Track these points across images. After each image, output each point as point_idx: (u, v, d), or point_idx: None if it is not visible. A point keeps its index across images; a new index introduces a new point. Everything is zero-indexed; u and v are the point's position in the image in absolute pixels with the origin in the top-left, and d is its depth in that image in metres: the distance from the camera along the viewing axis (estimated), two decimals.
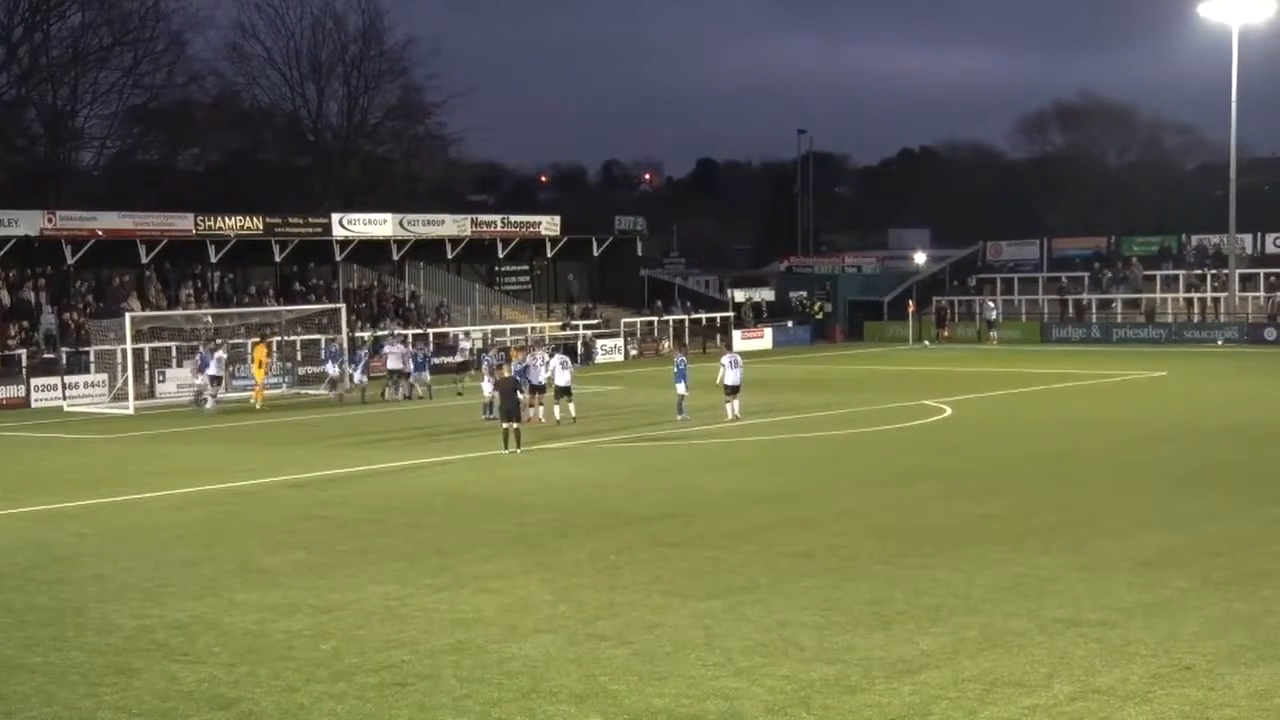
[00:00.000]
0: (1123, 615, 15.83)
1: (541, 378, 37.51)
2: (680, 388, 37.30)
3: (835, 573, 18.35)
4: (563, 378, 36.21)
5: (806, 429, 35.22)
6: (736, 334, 69.84)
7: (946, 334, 72.00)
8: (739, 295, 79.60)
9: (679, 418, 36.34)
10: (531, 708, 13.05)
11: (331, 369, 46.29)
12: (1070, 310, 73.13)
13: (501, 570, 18.94)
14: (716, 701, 13.08)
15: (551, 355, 39.25)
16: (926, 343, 69.92)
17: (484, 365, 40.19)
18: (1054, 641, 14.83)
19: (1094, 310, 72.61)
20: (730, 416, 35.86)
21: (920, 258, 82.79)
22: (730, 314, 72.78)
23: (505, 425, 30.71)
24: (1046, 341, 69.64)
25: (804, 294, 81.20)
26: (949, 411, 38.72)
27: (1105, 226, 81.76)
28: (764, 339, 71.12)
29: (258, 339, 46.18)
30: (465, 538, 21.46)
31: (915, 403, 40.59)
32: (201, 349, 45.10)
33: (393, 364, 45.39)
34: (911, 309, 72.32)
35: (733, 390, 36.21)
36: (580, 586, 17.84)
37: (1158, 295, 71.81)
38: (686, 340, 67.09)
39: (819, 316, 77.12)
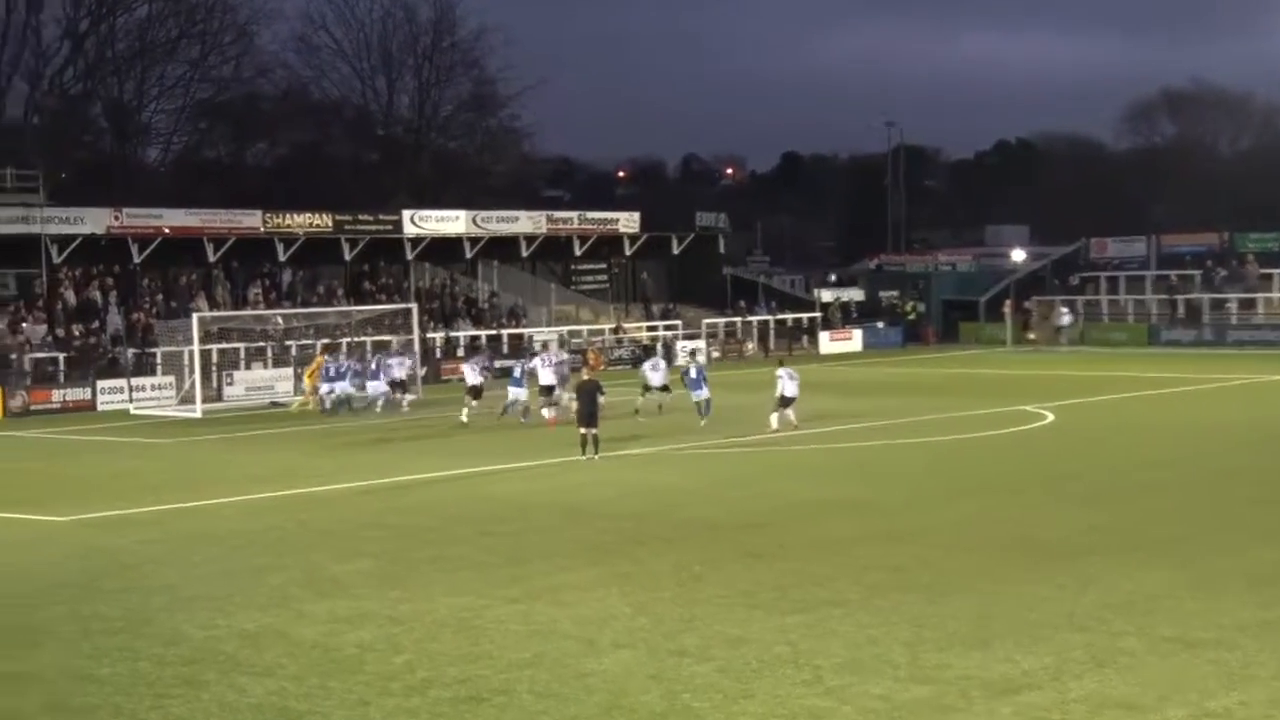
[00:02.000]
0: (1239, 634, 15.59)
1: (550, 379, 38.35)
2: (702, 393, 37.08)
3: (929, 587, 18.23)
4: (790, 389, 35.87)
5: (898, 436, 34.99)
6: (824, 335, 69.54)
7: (1033, 336, 71.21)
8: (826, 295, 79.20)
9: (702, 423, 36.24)
10: None
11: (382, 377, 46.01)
12: (1180, 311, 72.12)
13: (578, 581, 18.97)
14: None
15: (651, 356, 39.57)
16: (1030, 336, 69.32)
17: (522, 367, 40.16)
18: (1165, 662, 14.64)
19: (1206, 311, 71.52)
20: (775, 427, 35.19)
21: (1019, 255, 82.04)
22: (817, 314, 72.47)
23: (583, 431, 30.77)
24: (1155, 344, 68.73)
25: (895, 293, 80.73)
26: (1050, 417, 38.33)
27: (1218, 222, 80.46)
28: (853, 341, 70.72)
29: (325, 346, 46.21)
30: (541, 547, 21.53)
31: (1014, 408, 40.22)
32: (383, 355, 45.23)
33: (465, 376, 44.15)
34: (1009, 309, 71.66)
35: (787, 402, 35.61)
36: (660, 599, 17.83)
37: (1275, 294, 70.63)
38: (771, 345, 66.96)
39: (911, 317, 76.62)
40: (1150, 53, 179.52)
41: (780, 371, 36.79)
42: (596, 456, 30.59)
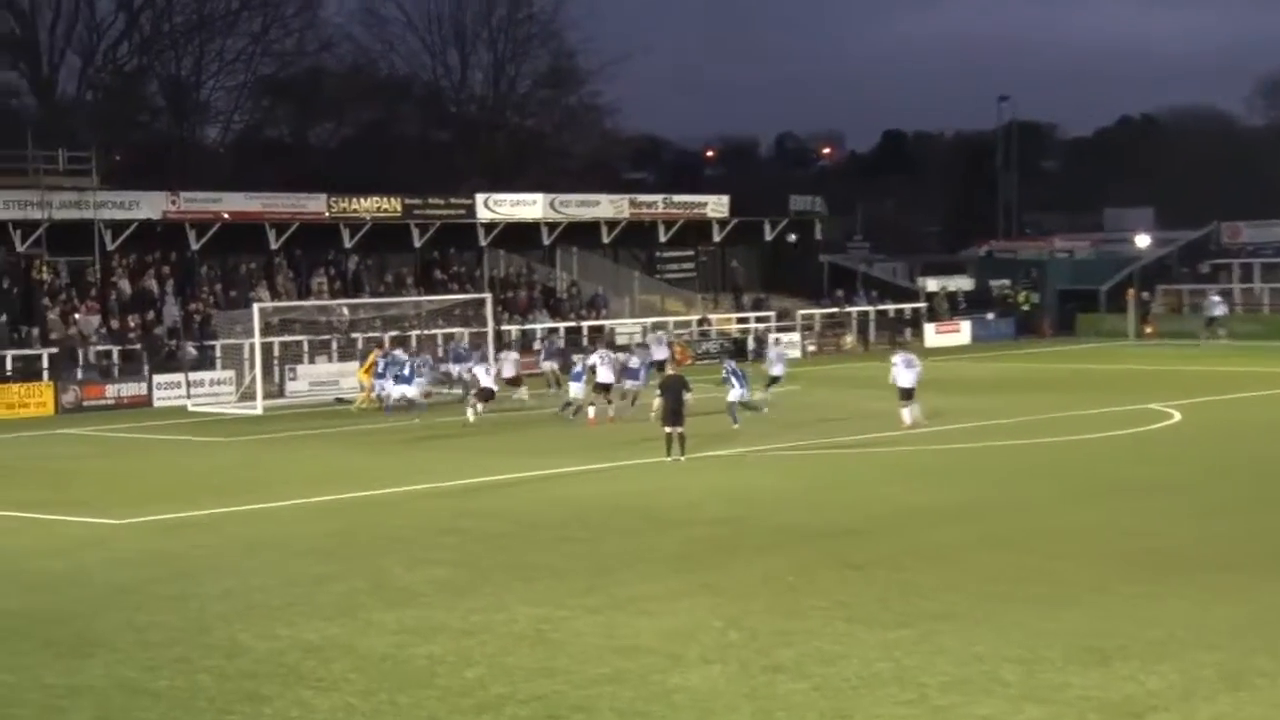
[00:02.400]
0: None
1: (607, 377, 38.59)
2: (737, 392, 36.90)
3: (1044, 600, 18.11)
4: (905, 379, 35.88)
5: (1010, 436, 34.73)
6: (929, 328, 69.10)
7: (1150, 330, 70.27)
8: (932, 284, 78.68)
9: (734, 426, 35.99)
10: None
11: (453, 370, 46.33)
12: None
13: (664, 591, 18.99)
14: None
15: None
16: (1148, 330, 68.48)
17: (582, 363, 40.24)
18: None
19: None
20: (908, 423, 35.44)
21: (1142, 241, 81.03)
22: (922, 305, 72.03)
23: (669, 430, 30.80)
24: None
25: (1006, 282, 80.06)
26: (1177, 417, 37.90)
27: None
28: (960, 334, 70.21)
29: (380, 342, 46.33)
30: (624, 555, 21.57)
31: (1137, 406, 39.79)
32: (500, 351, 45.58)
33: (507, 371, 43.86)
34: (1131, 299, 70.87)
35: (907, 394, 35.72)
36: (753, 611, 17.82)
37: None
38: (872, 338, 66.64)
39: (1025, 308, 75.95)
40: None
41: (895, 358, 36.56)
42: (683, 458, 30.60)
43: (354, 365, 47.16)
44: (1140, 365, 55.24)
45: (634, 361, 41.61)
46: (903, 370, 35.61)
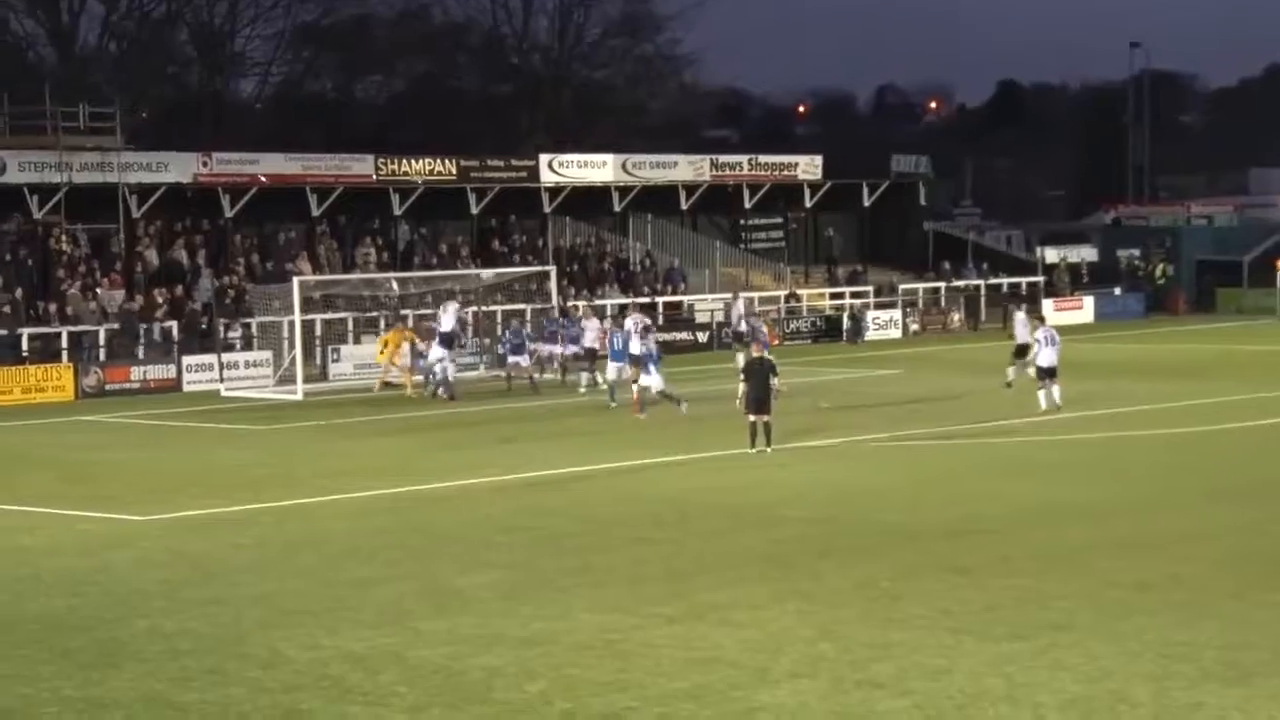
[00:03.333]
0: None
1: (638, 347, 38.28)
2: (652, 378, 37.23)
3: (1178, 609, 18.02)
4: (1046, 357, 36.06)
5: (1139, 425, 34.51)
6: (1048, 303, 68.64)
7: None
8: (1051, 254, 78.21)
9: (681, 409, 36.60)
10: None
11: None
12: None
13: (748, 598, 19.02)
14: None
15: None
16: None
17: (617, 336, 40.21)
18: None
19: None
20: (1045, 407, 35.60)
21: None
22: (1039, 279, 71.61)
23: (753, 418, 30.80)
24: None
25: (1135, 252, 79.41)
26: None
27: None
28: (1083, 310, 69.79)
29: (399, 325, 46.27)
30: (702, 557, 21.60)
31: None
32: (575, 320, 45.91)
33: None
34: None
35: (1049, 373, 35.85)
36: (847, 620, 17.82)
37: None
38: (982, 316, 66.21)
39: (1160, 281, 75.28)
40: None
41: (1038, 334, 36.71)
42: (769, 449, 30.59)
43: (405, 347, 46.99)
44: None
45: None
46: (1045, 347, 35.99)
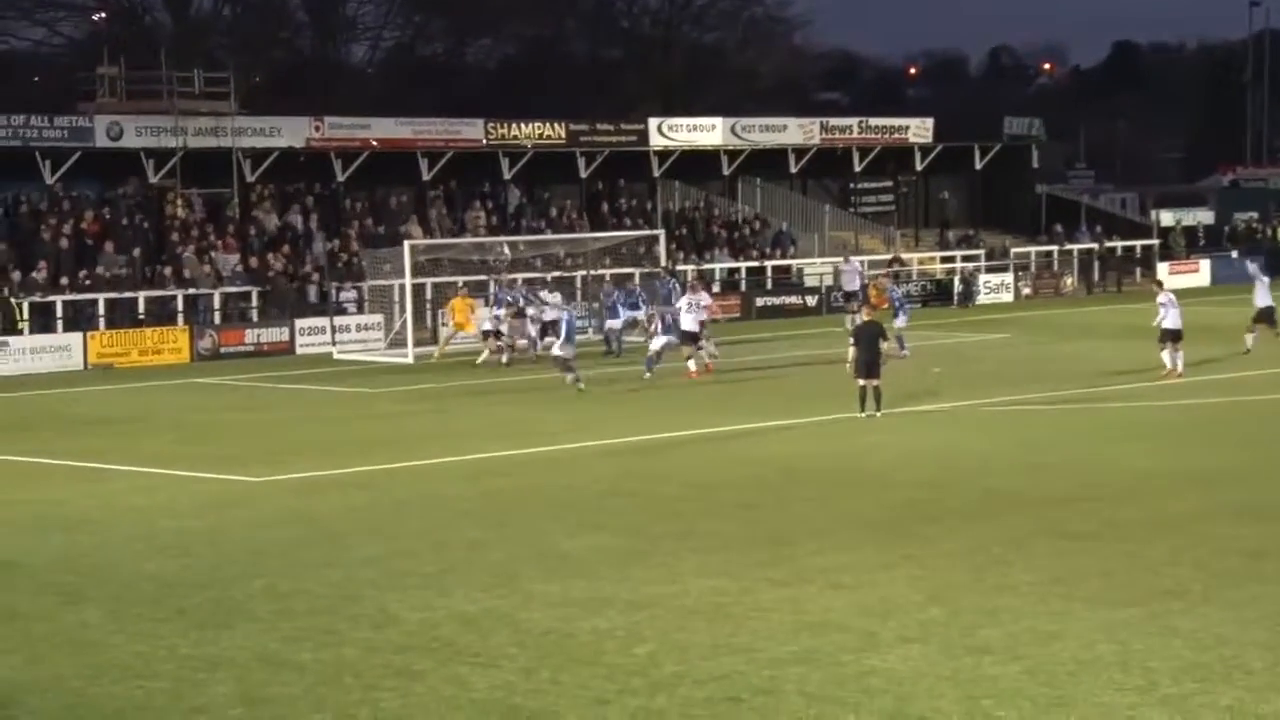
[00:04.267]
0: None
1: (692, 324, 38.24)
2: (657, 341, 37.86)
3: None
4: (1172, 319, 36.33)
5: (1259, 390, 34.07)
6: (1163, 267, 67.88)
7: None
8: (1166, 217, 77.29)
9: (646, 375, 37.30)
10: None
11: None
12: None
13: (857, 563, 19.00)
14: None
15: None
16: None
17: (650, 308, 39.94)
18: None
19: None
20: (1170, 369, 35.79)
21: None
22: (1154, 242, 70.77)
23: (863, 383, 30.72)
24: None
25: (1254, 215, 78.30)
26: None
27: None
28: (1199, 274, 68.91)
29: (463, 292, 46.00)
30: (811, 522, 21.58)
31: None
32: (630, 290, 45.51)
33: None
34: None
35: (1174, 336, 36.14)
36: (957, 585, 17.77)
37: None
38: (1096, 279, 65.48)
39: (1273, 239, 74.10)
40: None
41: (1161, 298, 36.85)
42: (878, 413, 30.50)
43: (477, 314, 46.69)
44: None
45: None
46: (1170, 309, 36.19)
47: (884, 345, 31.14)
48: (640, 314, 43.83)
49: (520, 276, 47.69)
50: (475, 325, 43.97)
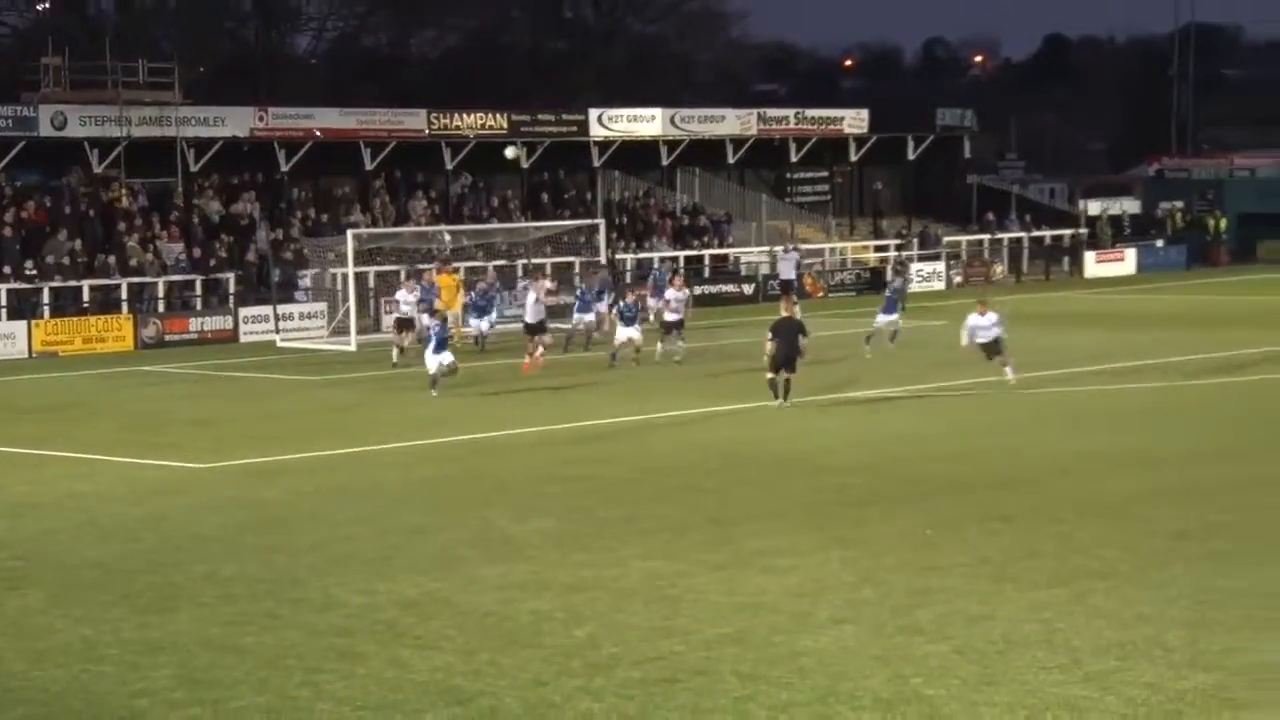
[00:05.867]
0: None
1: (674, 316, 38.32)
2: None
3: (1216, 558, 17.99)
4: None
5: (1187, 376, 34.31)
6: (1090, 256, 68.34)
7: None
8: (1094, 207, 77.75)
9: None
10: (828, 713, 13.15)
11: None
12: None
13: (792, 545, 19.06)
14: (1060, 713, 12.99)
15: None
16: None
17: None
18: None
19: None
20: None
21: None
22: (1083, 231, 71.19)
23: (771, 376, 30.41)
24: None
25: (1179, 204, 78.86)
26: None
27: None
28: (1125, 263, 69.37)
29: (448, 268, 45.38)
30: (750, 505, 21.66)
31: None
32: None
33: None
34: None
35: (994, 349, 33.70)
36: (889, 567, 17.86)
37: None
38: (1025, 268, 65.78)
39: (1224, 233, 74.42)
40: None
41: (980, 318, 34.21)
42: (789, 403, 30.20)
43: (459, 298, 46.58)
44: None
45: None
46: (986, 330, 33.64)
47: (803, 341, 30.67)
48: (603, 306, 42.38)
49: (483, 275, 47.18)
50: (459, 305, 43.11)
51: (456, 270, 45.65)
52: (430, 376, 32.95)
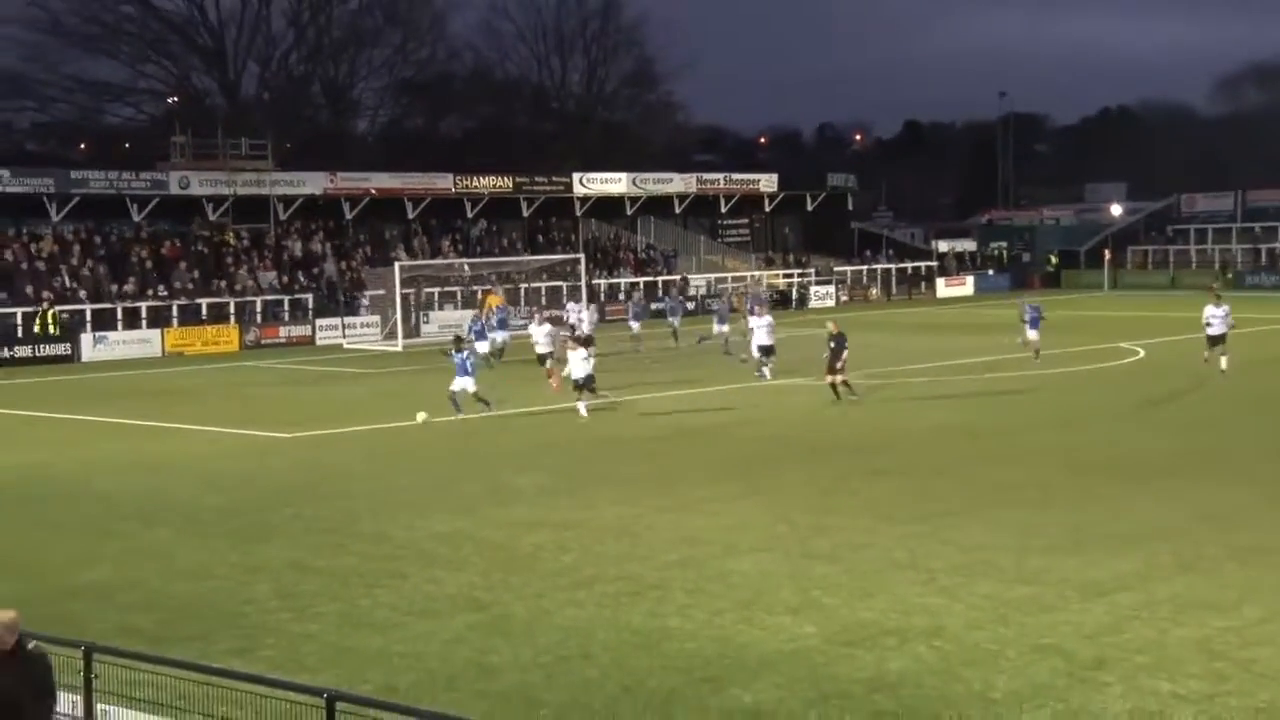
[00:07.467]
0: None
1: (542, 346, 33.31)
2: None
3: (1033, 503, 17.96)
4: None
5: (1008, 369, 34.33)
6: (940, 281, 68.56)
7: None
8: (943, 245, 77.97)
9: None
10: (751, 617, 13.09)
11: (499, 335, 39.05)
12: (1264, 259, 69.68)
13: (723, 494, 19.00)
14: (921, 616, 12.94)
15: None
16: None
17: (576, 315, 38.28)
18: (1245, 569, 14.24)
19: None
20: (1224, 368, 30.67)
21: (1116, 209, 79.77)
22: (934, 263, 71.43)
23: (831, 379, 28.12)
24: (1240, 288, 66.46)
25: (1004, 244, 79.12)
26: (1142, 354, 37.33)
27: None
28: (966, 286, 69.69)
29: (490, 289, 45.06)
30: (692, 465, 21.57)
31: (1110, 345, 39.23)
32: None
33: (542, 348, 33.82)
34: (1108, 258, 69.87)
35: (1216, 341, 30.98)
36: (796, 509, 17.79)
37: None
38: (893, 290, 65.93)
39: (1053, 265, 74.54)
40: (1241, 29, 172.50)
41: (1213, 310, 31.54)
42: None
43: (473, 311, 46.28)
44: (1112, 312, 54.40)
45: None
46: (1216, 317, 31.17)
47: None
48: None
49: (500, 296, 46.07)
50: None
51: (498, 291, 44.89)
52: (451, 395, 27.06)
